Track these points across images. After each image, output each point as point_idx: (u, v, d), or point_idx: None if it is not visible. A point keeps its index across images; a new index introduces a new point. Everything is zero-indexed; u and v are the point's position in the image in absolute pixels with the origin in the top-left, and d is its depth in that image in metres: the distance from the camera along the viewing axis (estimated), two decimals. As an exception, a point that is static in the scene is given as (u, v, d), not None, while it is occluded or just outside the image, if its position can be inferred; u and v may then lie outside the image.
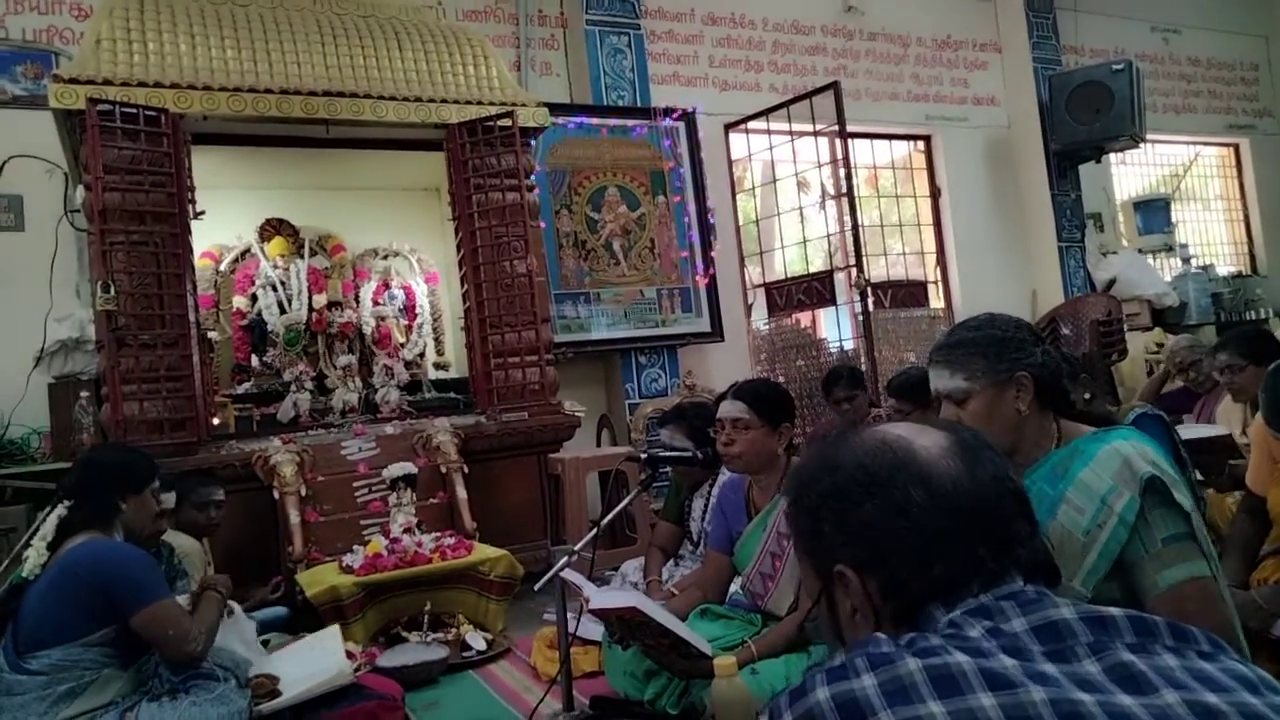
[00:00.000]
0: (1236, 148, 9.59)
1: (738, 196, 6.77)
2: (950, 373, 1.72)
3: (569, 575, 2.49)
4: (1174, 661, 0.79)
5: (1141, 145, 7.84)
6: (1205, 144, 9.45)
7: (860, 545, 0.92)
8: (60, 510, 2.36)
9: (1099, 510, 1.52)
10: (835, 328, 6.58)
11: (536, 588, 2.61)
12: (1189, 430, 3.52)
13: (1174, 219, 8.70)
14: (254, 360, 5.00)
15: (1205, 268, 8.59)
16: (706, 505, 3.31)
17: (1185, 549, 1.50)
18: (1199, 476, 3.11)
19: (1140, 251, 8.29)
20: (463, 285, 4.84)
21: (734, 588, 2.78)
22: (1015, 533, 0.91)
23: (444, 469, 4.24)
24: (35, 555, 2.29)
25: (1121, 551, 1.51)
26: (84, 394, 4.35)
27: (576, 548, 2.67)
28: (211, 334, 4.84)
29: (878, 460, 0.93)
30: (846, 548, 0.93)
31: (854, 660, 0.79)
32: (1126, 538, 1.50)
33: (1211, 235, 9.45)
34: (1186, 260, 8.46)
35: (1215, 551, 1.60)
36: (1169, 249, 8.52)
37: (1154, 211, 8.50)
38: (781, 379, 6.27)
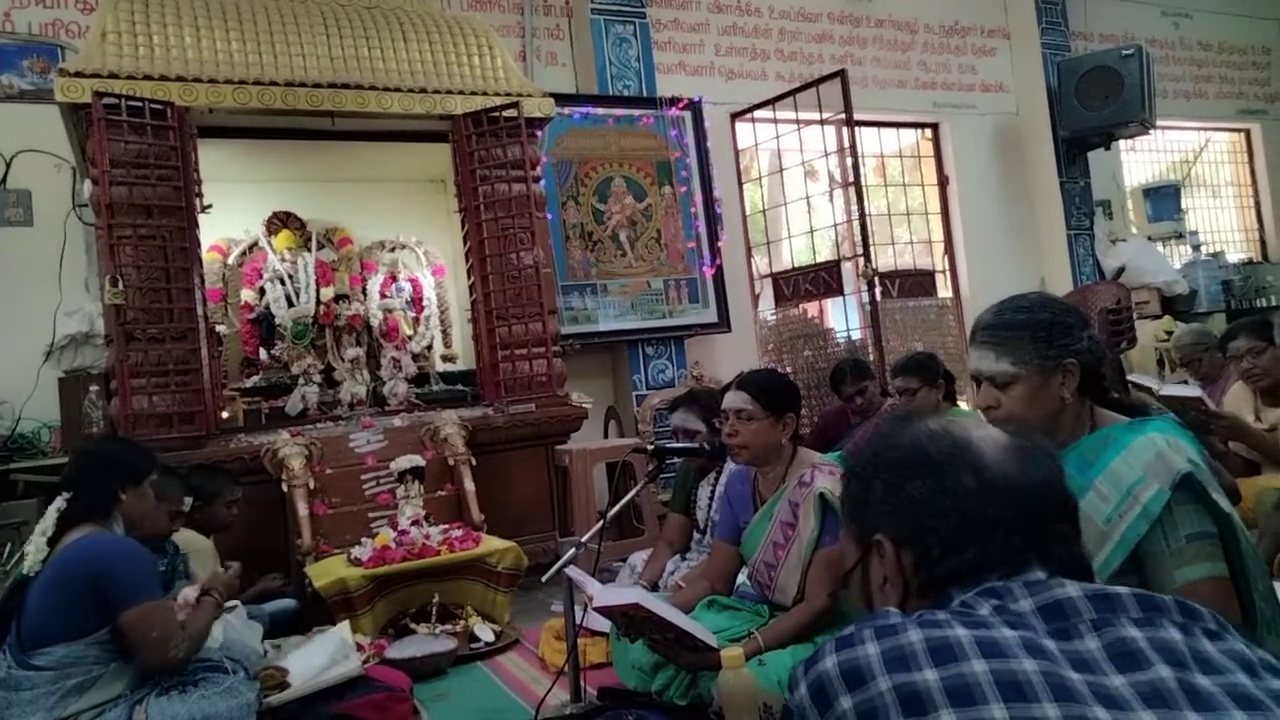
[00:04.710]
0: (1247, 133, 9.50)
1: (744, 186, 6.74)
2: (996, 355, 1.65)
3: (573, 573, 2.49)
4: (1178, 636, 0.82)
5: (1151, 131, 7.79)
6: (1216, 129, 9.38)
7: (903, 519, 0.96)
8: (59, 503, 2.33)
9: (1123, 500, 1.50)
10: (843, 318, 6.55)
11: (544, 579, 2.61)
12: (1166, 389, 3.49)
13: (1184, 206, 8.64)
14: (262, 353, 5.02)
15: (1215, 255, 8.52)
16: (713, 493, 3.31)
17: (1206, 548, 1.47)
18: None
19: (1150, 239, 8.23)
20: (469, 277, 4.84)
21: (741, 578, 2.79)
22: (1055, 531, 0.94)
23: (452, 461, 4.25)
24: (35, 551, 2.26)
25: (1140, 544, 1.49)
26: (93, 388, 4.36)
27: (584, 539, 2.67)
28: (219, 328, 4.85)
29: (937, 443, 0.98)
30: (890, 519, 0.98)
31: (861, 631, 0.84)
32: (1146, 530, 1.47)
33: (1222, 222, 9.37)
34: (1196, 247, 8.40)
35: (1255, 549, 1.57)
36: (1179, 236, 8.46)
37: (1164, 198, 8.44)
38: (789, 369, 6.25)
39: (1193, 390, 3.46)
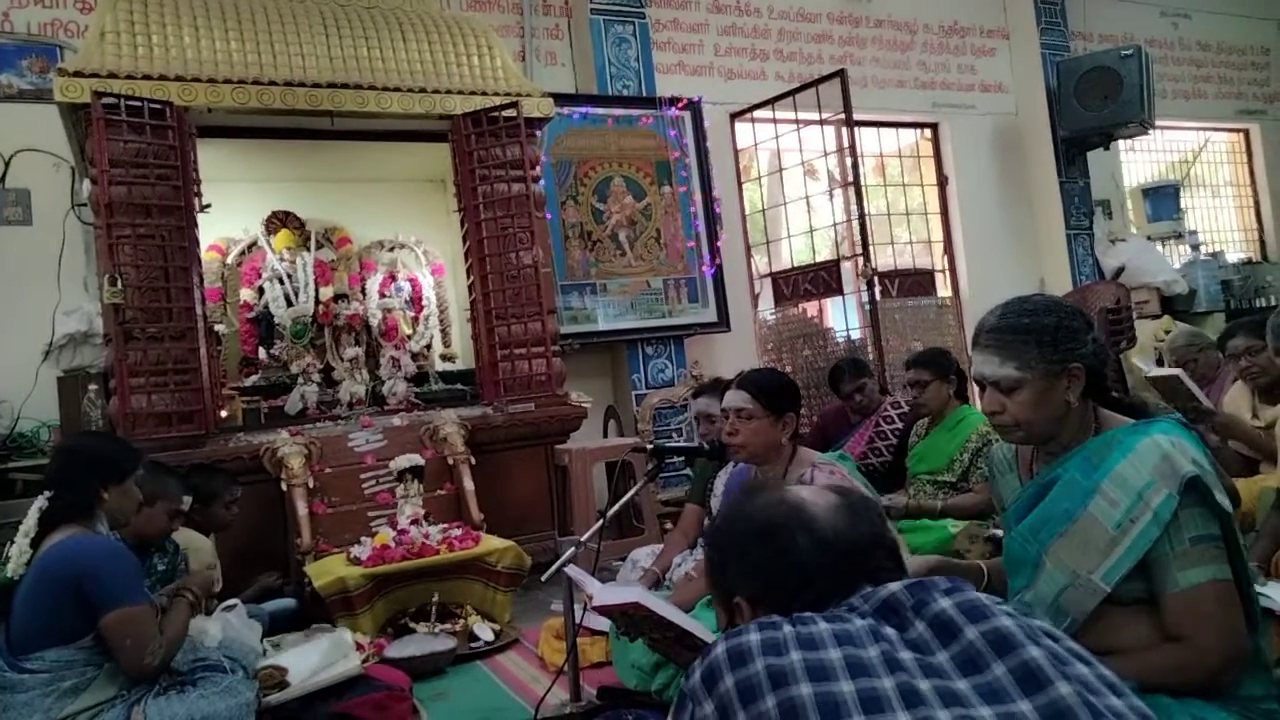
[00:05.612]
0: (1246, 133, 9.50)
1: (744, 186, 6.74)
2: (1001, 360, 1.62)
3: (573, 572, 2.48)
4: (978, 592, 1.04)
5: (1151, 131, 7.78)
6: (1215, 129, 9.37)
7: (753, 581, 1.14)
8: (40, 502, 2.28)
9: (1134, 504, 1.49)
10: (842, 317, 6.55)
11: (543, 579, 2.61)
12: (1152, 370, 3.55)
13: (1183, 205, 8.64)
14: (261, 353, 5.02)
15: (1215, 254, 8.51)
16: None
17: (1210, 550, 1.47)
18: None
19: (1149, 239, 8.23)
20: (469, 277, 4.84)
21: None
22: (881, 565, 1.13)
23: (451, 460, 4.24)
24: (17, 553, 2.22)
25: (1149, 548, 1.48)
26: (92, 387, 4.36)
27: (583, 539, 2.67)
28: (219, 327, 4.85)
29: (773, 513, 1.16)
30: (743, 582, 1.15)
31: (748, 625, 1.02)
32: (1158, 535, 1.47)
33: (1221, 222, 9.37)
34: (1196, 247, 8.39)
35: (1245, 548, 1.57)
36: (1178, 236, 8.46)
37: (1163, 198, 8.44)
38: (788, 369, 6.25)
39: (1172, 369, 3.51)
